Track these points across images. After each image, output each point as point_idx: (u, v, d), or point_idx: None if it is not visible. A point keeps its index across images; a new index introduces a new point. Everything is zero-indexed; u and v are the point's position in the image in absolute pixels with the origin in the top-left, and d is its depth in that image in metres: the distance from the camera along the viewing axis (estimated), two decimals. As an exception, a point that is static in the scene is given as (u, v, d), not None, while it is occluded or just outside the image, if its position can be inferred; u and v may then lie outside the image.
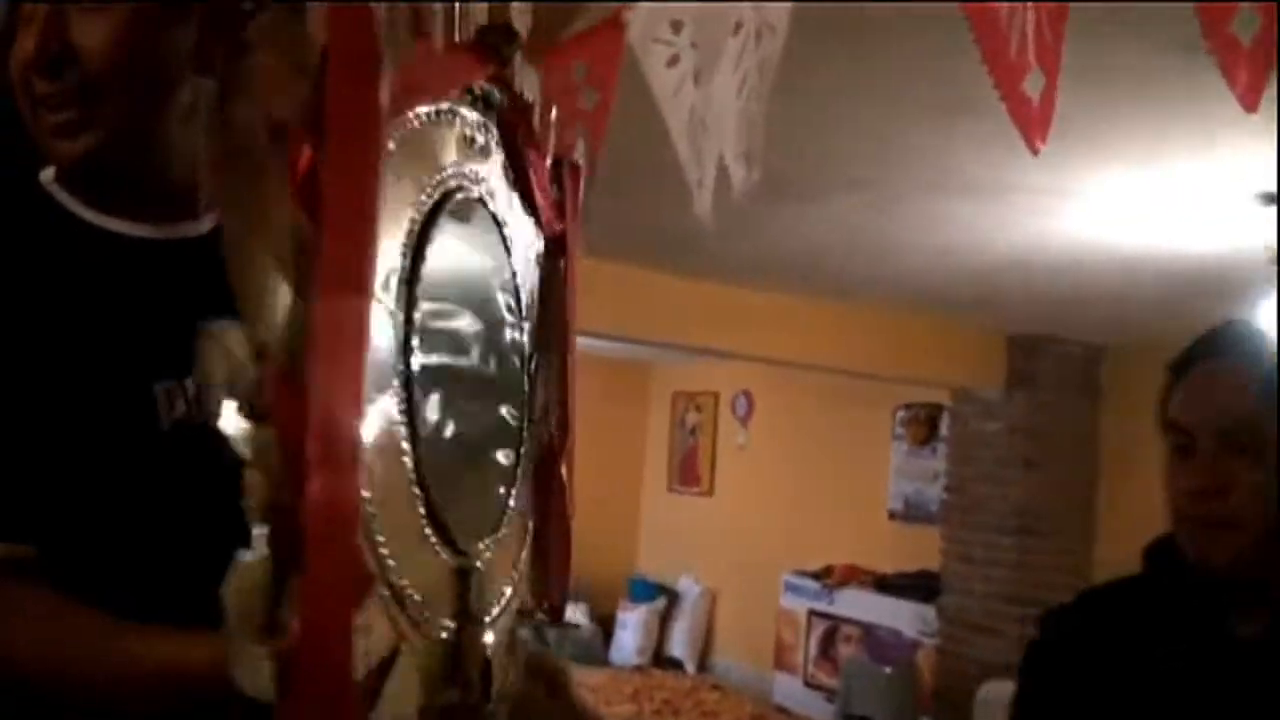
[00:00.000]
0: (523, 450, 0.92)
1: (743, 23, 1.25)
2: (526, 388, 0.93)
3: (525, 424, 0.93)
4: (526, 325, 0.93)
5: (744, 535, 8.51)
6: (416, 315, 0.78)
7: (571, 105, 1.43)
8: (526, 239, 0.94)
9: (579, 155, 1.02)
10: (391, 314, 0.76)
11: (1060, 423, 6.25)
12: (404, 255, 0.77)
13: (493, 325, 0.90)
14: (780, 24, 1.24)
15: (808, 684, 7.51)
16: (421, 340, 0.78)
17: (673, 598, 9.02)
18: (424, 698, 0.78)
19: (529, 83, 0.96)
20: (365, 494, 0.68)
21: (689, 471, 9.48)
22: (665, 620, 8.94)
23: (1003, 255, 4.35)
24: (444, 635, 0.81)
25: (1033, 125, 1.09)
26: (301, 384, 0.62)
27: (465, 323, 0.87)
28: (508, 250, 0.90)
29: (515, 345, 0.92)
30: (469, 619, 0.85)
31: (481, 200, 0.87)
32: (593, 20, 1.46)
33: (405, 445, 0.77)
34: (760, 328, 5.61)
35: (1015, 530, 6.16)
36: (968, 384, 6.38)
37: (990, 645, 6.11)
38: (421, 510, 0.79)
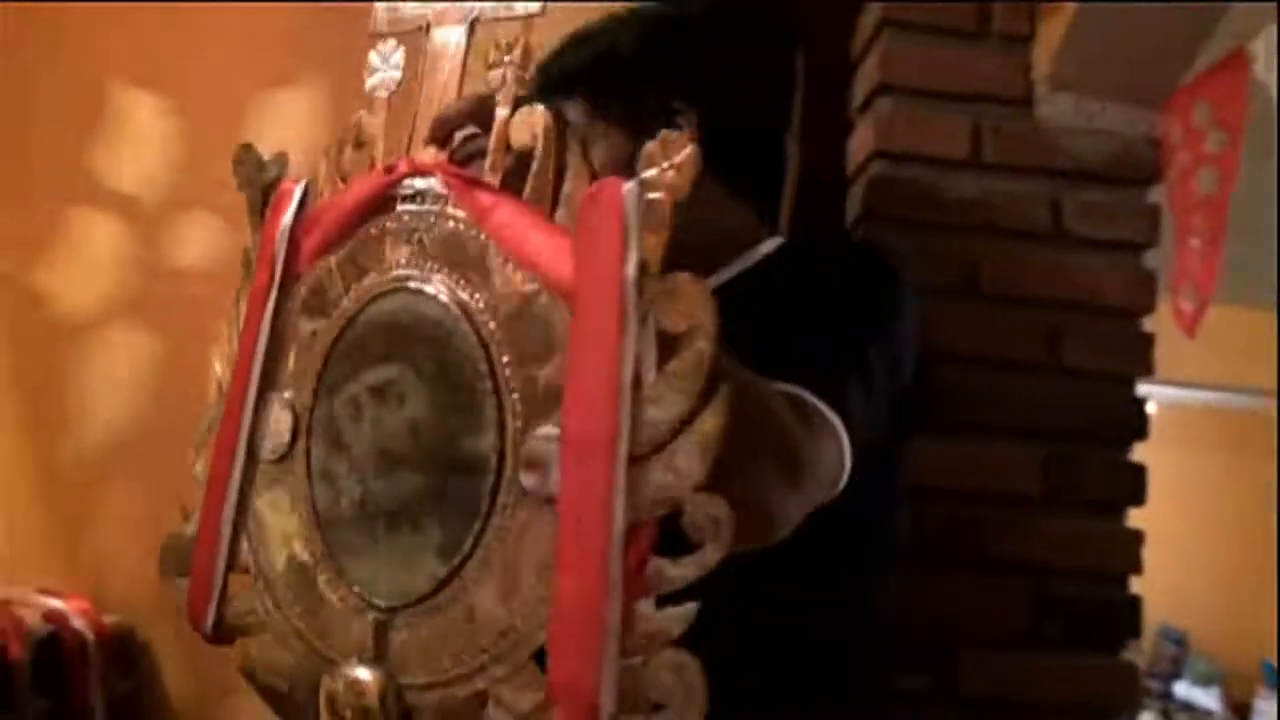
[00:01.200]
0: (481, 513, 0.83)
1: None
2: (495, 452, 0.85)
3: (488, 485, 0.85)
4: (505, 385, 0.85)
5: None
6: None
7: (1198, 149, 1.39)
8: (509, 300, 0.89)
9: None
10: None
11: None
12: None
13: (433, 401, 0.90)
14: None
15: None
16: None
17: (1322, 686, 7.97)
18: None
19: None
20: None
21: (1334, 539, 8.37)
22: (1314, 711, 7.93)
23: None
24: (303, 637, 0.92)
25: None
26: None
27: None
28: (468, 318, 0.88)
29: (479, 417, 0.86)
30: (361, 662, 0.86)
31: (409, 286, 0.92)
32: (1212, 59, 1.42)
33: (306, 501, 0.92)
34: None
35: None
36: None
37: None
38: (307, 554, 0.92)
